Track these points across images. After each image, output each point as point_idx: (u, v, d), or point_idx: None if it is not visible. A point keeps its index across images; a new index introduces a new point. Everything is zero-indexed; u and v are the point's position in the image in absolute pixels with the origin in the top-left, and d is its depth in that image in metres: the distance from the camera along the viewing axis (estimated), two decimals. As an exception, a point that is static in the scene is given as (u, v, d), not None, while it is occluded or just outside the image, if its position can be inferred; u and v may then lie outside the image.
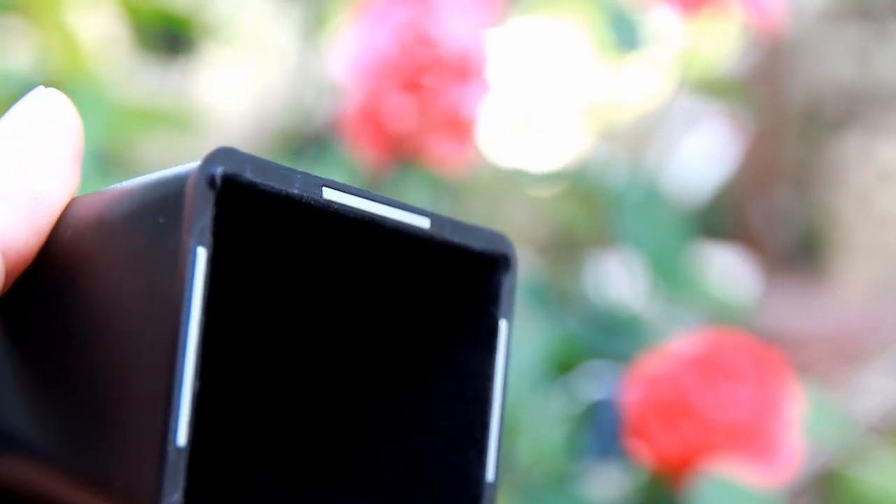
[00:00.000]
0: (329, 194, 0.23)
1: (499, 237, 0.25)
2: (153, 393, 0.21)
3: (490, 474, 0.24)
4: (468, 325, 0.25)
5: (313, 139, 1.39)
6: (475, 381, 0.25)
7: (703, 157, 1.54)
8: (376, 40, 0.76)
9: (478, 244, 0.24)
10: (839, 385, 1.26)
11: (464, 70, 0.76)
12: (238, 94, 1.90)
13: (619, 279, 0.90)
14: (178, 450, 0.20)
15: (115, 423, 0.22)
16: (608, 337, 0.81)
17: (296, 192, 0.22)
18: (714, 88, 1.01)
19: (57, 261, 0.23)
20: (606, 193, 0.86)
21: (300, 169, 0.22)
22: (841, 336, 1.51)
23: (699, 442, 0.68)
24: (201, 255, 0.21)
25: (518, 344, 0.51)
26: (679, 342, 0.74)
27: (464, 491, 0.24)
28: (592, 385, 0.81)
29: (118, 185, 0.23)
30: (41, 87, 0.24)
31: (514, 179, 1.06)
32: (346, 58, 0.78)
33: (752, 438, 0.68)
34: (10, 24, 1.06)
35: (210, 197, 0.21)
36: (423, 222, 0.24)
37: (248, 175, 0.21)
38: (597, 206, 0.92)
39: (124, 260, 0.22)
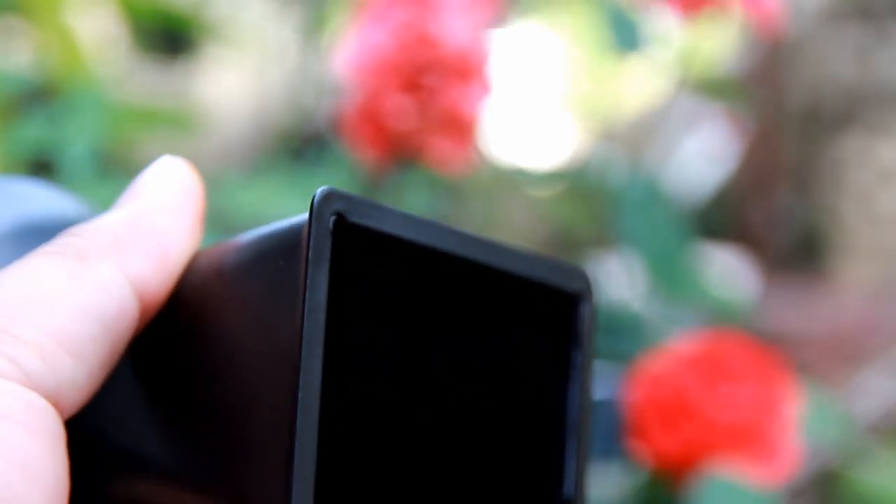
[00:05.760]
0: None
1: (573, 271, 0.27)
2: (282, 411, 0.23)
3: (569, 490, 0.27)
4: (545, 352, 0.27)
5: (313, 139, 1.39)
6: (553, 405, 0.27)
7: (703, 157, 1.54)
8: (376, 40, 0.76)
9: (552, 279, 0.27)
10: (839, 385, 1.26)
11: (464, 70, 0.76)
12: (238, 94, 1.90)
13: (619, 279, 0.90)
14: (305, 468, 0.22)
15: (245, 445, 0.24)
16: (608, 337, 0.81)
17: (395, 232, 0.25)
18: (714, 88, 1.01)
19: (183, 306, 0.26)
20: (606, 193, 0.86)
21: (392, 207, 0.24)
22: (841, 336, 1.51)
23: (699, 442, 0.68)
24: (321, 284, 0.23)
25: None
26: (679, 342, 0.74)
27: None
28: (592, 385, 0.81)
29: (235, 238, 0.26)
30: (167, 156, 0.28)
31: (514, 179, 1.06)
32: (346, 58, 0.78)
33: (752, 438, 0.68)
34: (9, 24, 1.06)
35: (327, 234, 0.23)
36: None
37: (357, 217, 0.24)
38: (597, 206, 0.92)
39: (247, 302, 0.24)
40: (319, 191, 0.23)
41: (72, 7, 1.02)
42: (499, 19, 0.81)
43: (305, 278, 0.23)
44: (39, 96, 0.90)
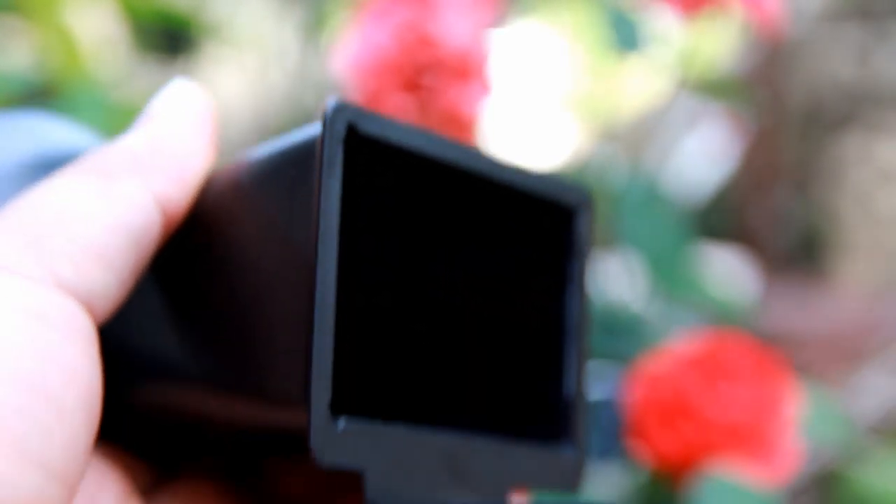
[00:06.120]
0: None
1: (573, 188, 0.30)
2: (299, 311, 0.24)
3: (569, 389, 0.29)
4: (545, 261, 0.29)
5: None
6: (552, 311, 0.29)
7: (703, 157, 1.54)
8: (376, 40, 0.76)
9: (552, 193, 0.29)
10: (839, 385, 1.26)
11: (464, 70, 0.76)
12: (238, 94, 1.90)
13: (619, 279, 0.90)
14: (323, 364, 0.23)
15: (264, 346, 0.25)
16: (608, 337, 0.81)
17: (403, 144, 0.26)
18: (714, 88, 1.01)
19: (201, 220, 0.27)
20: (606, 193, 0.86)
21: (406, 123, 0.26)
22: (841, 336, 1.51)
23: (699, 442, 0.68)
24: (334, 190, 0.24)
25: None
26: (679, 342, 0.74)
27: (547, 403, 0.29)
28: (592, 385, 0.81)
29: (248, 154, 0.27)
30: (179, 79, 0.29)
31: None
32: (346, 58, 0.78)
33: (752, 438, 0.68)
34: (9, 24, 1.06)
35: (339, 142, 0.24)
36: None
37: (367, 127, 0.25)
38: (597, 206, 0.92)
39: (262, 211, 0.26)
40: (331, 101, 0.24)
41: (72, 7, 1.02)
42: (499, 19, 0.81)
43: (319, 184, 0.24)
44: (39, 96, 0.90)
